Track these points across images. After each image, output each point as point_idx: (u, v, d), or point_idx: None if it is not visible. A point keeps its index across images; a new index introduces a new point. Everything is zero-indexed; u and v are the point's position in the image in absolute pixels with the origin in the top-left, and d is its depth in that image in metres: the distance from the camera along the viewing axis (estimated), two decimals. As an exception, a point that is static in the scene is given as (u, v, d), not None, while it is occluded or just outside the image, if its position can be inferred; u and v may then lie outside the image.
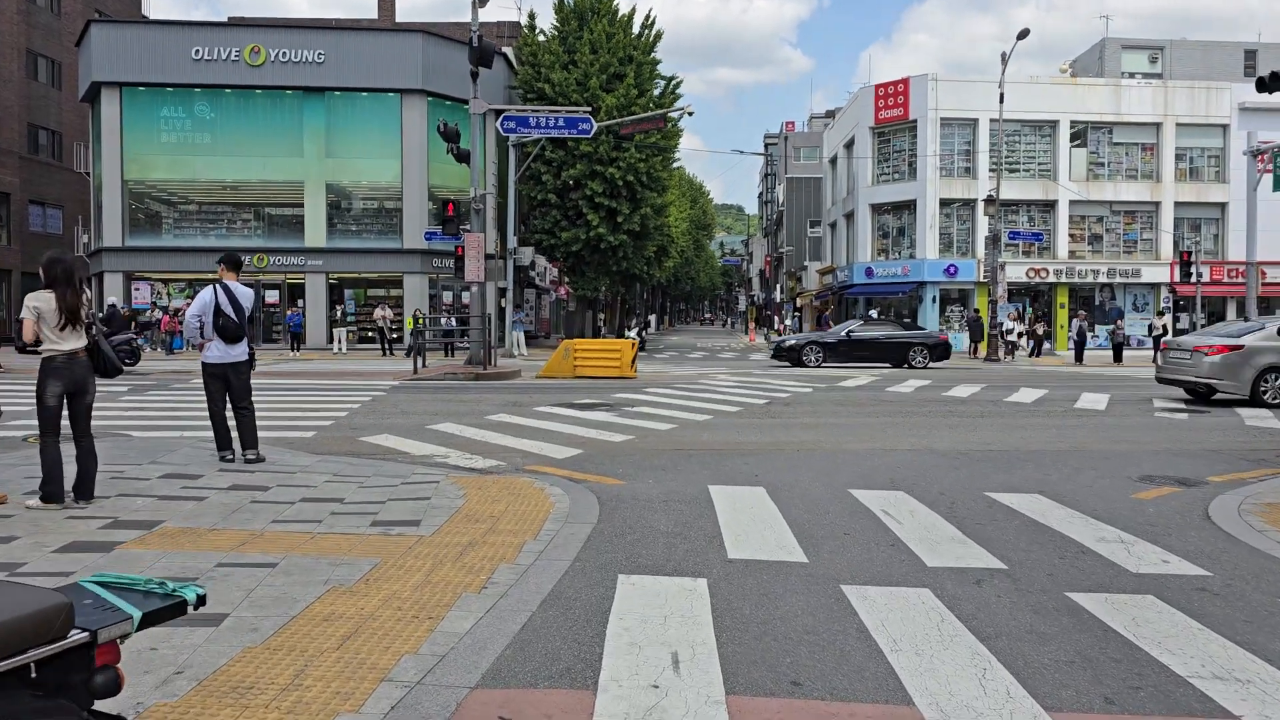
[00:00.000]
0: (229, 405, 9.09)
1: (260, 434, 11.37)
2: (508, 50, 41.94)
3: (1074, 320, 34.45)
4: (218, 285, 8.98)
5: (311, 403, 15.62)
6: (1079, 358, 32.02)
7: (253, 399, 9.25)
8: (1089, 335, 35.88)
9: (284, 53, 35.36)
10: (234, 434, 9.12)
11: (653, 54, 40.32)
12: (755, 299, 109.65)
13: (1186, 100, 41.27)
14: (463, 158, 23.47)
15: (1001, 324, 34.66)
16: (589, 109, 24.66)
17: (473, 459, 9.97)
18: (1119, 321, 35.22)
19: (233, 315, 8.85)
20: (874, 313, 38.22)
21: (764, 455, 10.42)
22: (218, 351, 8.97)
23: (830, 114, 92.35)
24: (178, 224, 36.53)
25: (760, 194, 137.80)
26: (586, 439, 11.57)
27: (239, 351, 8.97)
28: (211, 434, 9.24)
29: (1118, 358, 32.52)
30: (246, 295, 9.00)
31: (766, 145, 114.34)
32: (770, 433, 12.44)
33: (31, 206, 42.45)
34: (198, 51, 35.06)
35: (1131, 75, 43.33)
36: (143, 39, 35.47)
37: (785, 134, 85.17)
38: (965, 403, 16.75)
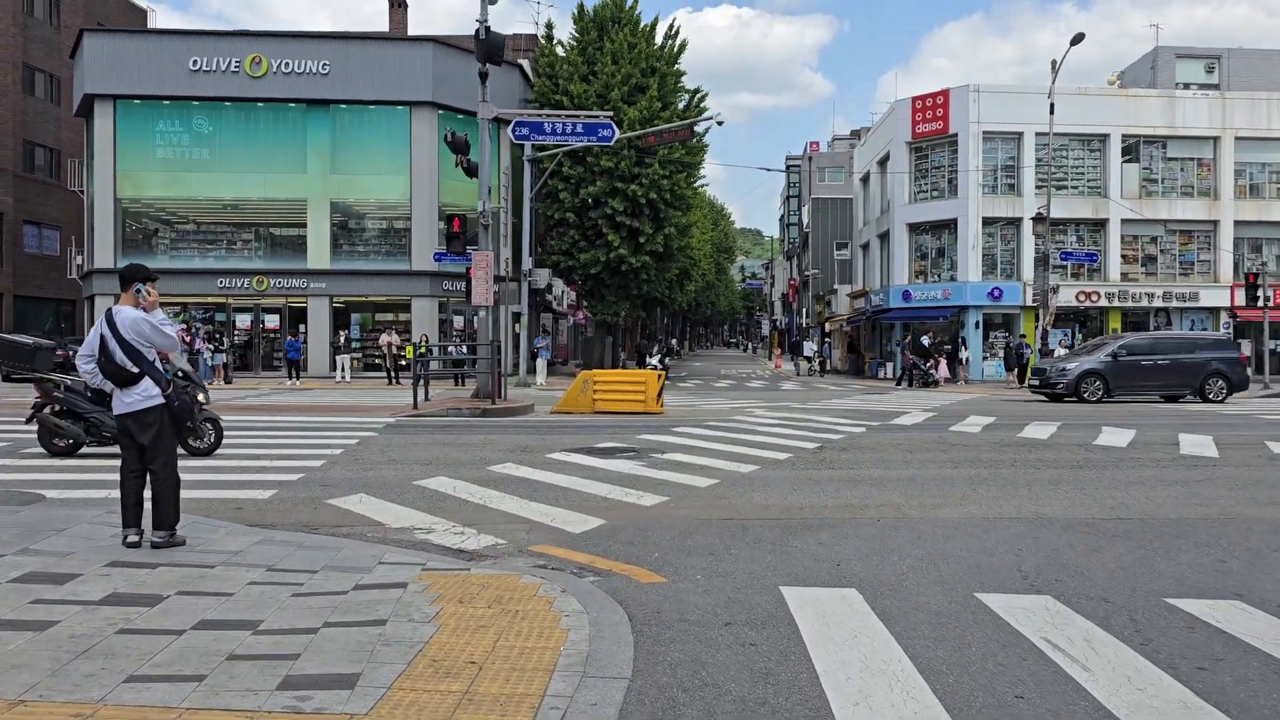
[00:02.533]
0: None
1: (206, 494, 9.12)
2: (524, 62, 39.92)
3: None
4: (103, 316, 6.72)
5: (287, 446, 13.35)
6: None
7: (172, 458, 6.89)
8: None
9: (287, 63, 33.46)
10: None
11: (676, 65, 38.16)
12: (778, 323, 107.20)
13: (1247, 112, 38.73)
14: (472, 171, 21.32)
15: (1053, 351, 32.21)
16: (610, 114, 22.46)
17: (464, 534, 7.66)
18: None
19: (117, 352, 6.56)
20: (925, 339, 35.69)
21: (839, 528, 8.05)
22: (115, 400, 6.71)
23: (856, 134, 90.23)
24: (174, 245, 34.55)
25: (781, 216, 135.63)
26: (609, 502, 9.23)
27: (135, 398, 6.65)
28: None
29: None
30: (131, 321, 6.64)
31: (788, 167, 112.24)
32: (835, 491, 10.05)
33: (26, 227, 40.64)
34: (196, 62, 33.20)
35: (1186, 86, 40.82)
36: (138, 49, 33.64)
37: (810, 154, 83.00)
38: (1048, 446, 14.32)
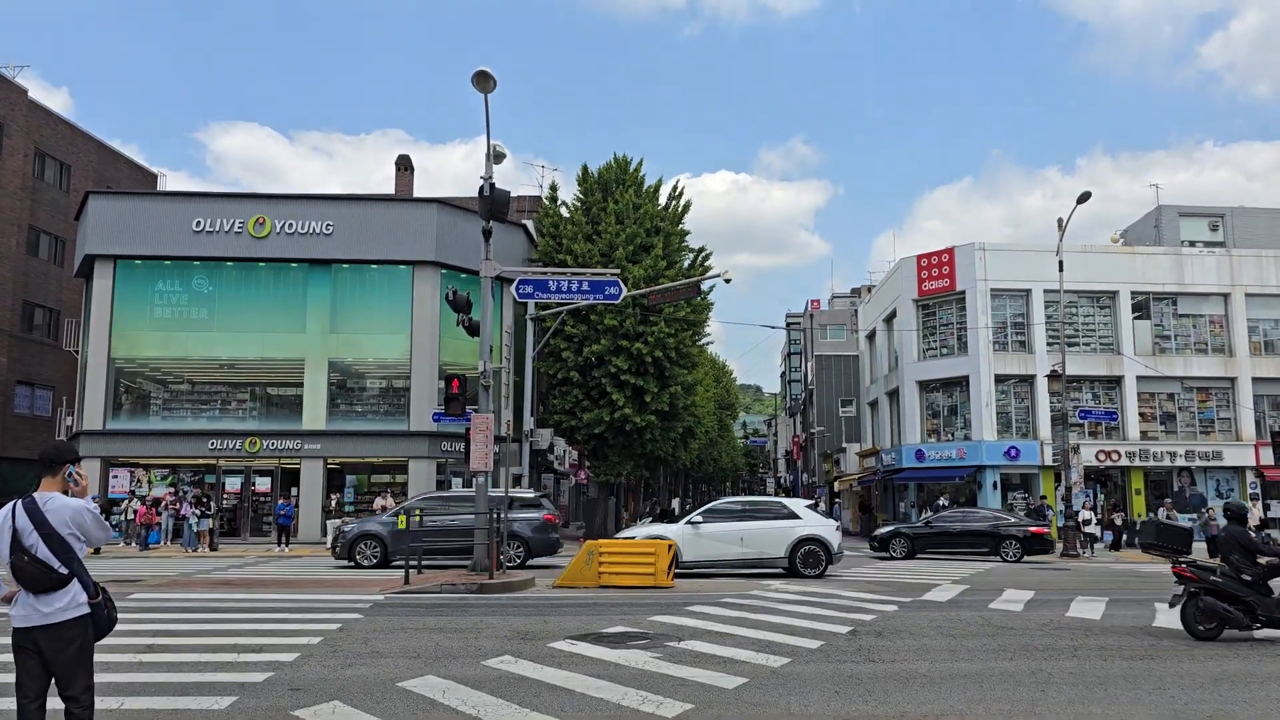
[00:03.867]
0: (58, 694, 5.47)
1: (148, 704, 7.69)
2: (528, 223, 40.00)
3: (1160, 510, 30.55)
4: (17, 503, 5.47)
5: (260, 633, 11.91)
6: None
7: (92, 681, 5.57)
8: (1179, 526, 31.78)
9: (290, 223, 33.35)
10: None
11: (681, 225, 38.18)
12: (782, 481, 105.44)
13: (1255, 269, 38.55)
14: (474, 330, 20.53)
15: (1078, 514, 30.80)
16: (617, 272, 21.85)
17: (449, 765, 6.27)
18: (1207, 510, 31.29)
19: (39, 547, 5.30)
20: (942, 501, 34.29)
21: (905, 755, 6.65)
22: (21, 609, 5.39)
23: (856, 291, 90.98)
24: (167, 405, 33.61)
25: (782, 373, 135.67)
26: (623, 712, 7.83)
27: (58, 607, 5.37)
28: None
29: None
30: (72, 512, 5.43)
31: (789, 324, 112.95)
32: (884, 694, 8.63)
33: (19, 387, 39.82)
34: (199, 223, 33.10)
35: (1192, 244, 40.80)
36: (142, 211, 33.61)
37: (811, 312, 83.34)
38: (1108, 631, 12.89)
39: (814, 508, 22.06)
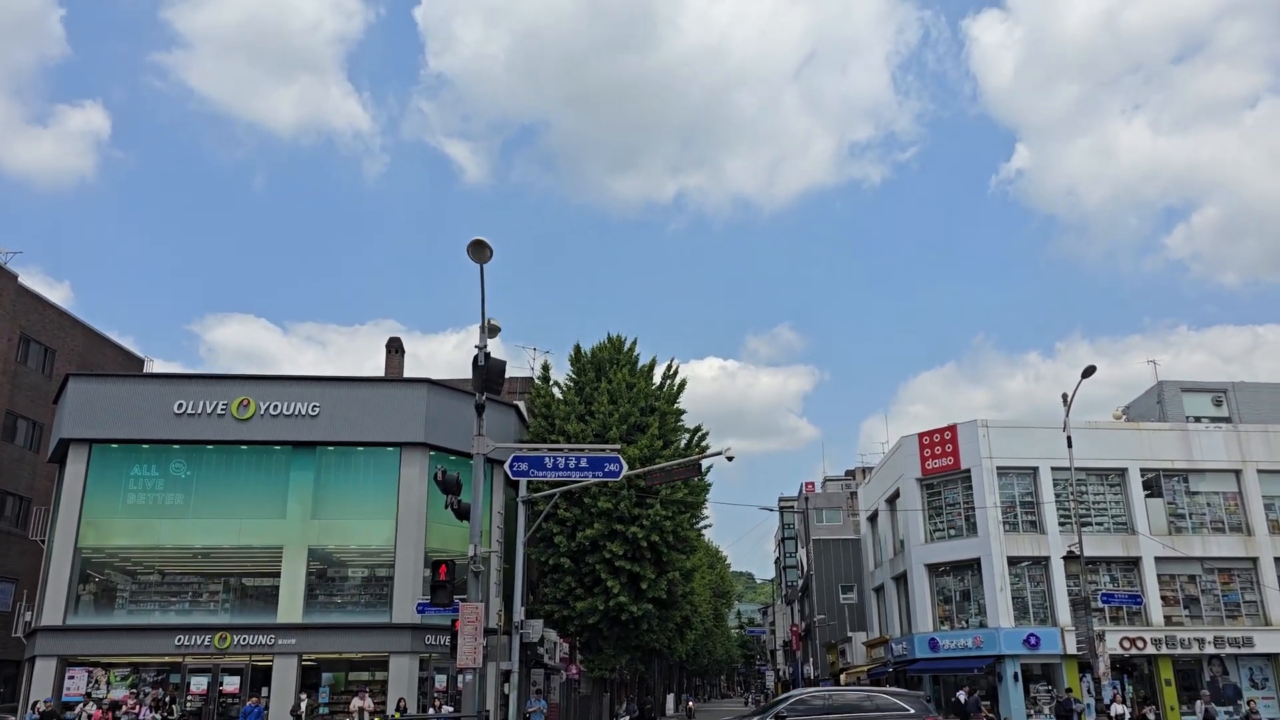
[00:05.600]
0: None
1: None
2: (520, 404, 39.13)
3: (1198, 703, 28.47)
4: None
5: None
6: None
7: None
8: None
9: (275, 405, 32.34)
10: None
11: (676, 404, 37.36)
12: (782, 674, 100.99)
13: (1263, 445, 37.71)
14: (463, 513, 19.20)
15: (1110, 707, 28.66)
16: (616, 448, 20.73)
17: None
18: (1248, 702, 29.21)
19: None
20: (961, 695, 31.89)
21: None
22: None
23: (850, 474, 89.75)
24: (134, 598, 31.56)
25: (777, 559, 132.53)
26: None
27: None
28: None
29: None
30: None
31: (782, 508, 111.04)
32: None
33: (-21, 580, 37.67)
34: (181, 405, 32.05)
35: (1198, 419, 40.11)
36: (123, 393, 32.60)
37: (806, 494, 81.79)
38: None
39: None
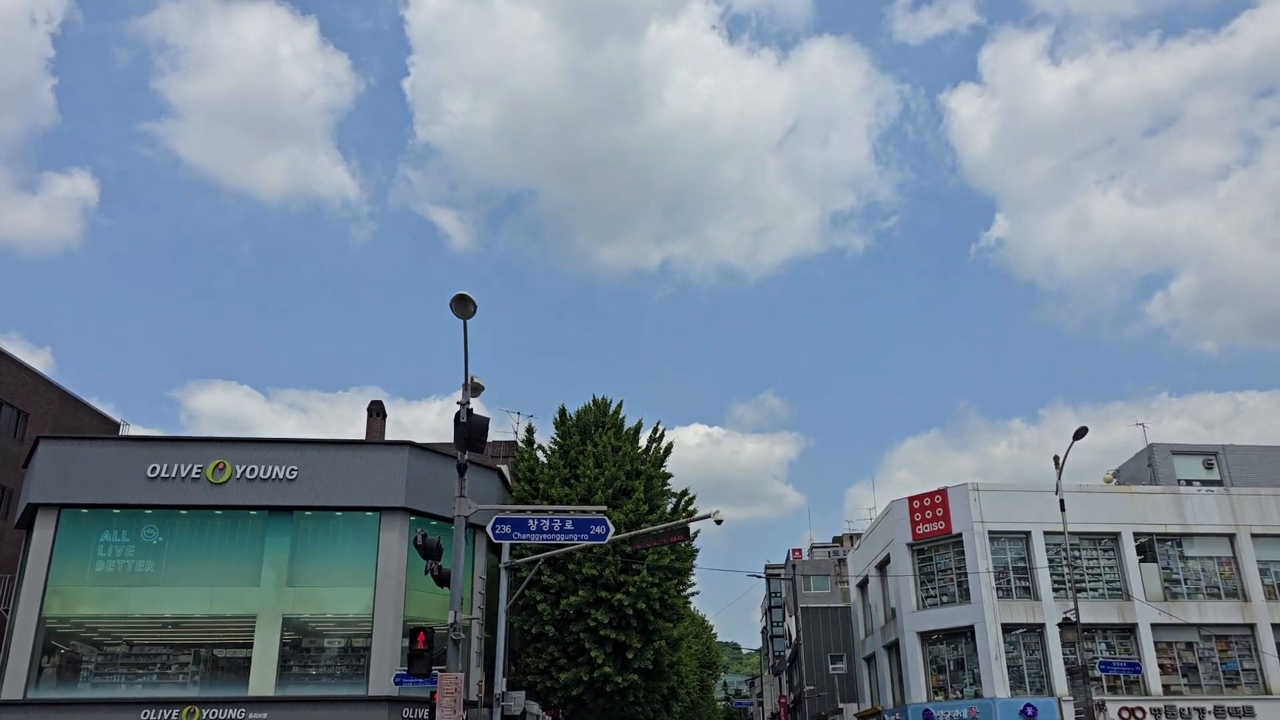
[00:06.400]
0: None
1: None
2: (503, 468, 38.42)
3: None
4: None
5: None
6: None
7: None
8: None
9: (252, 469, 31.50)
10: None
11: (663, 468, 36.74)
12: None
13: (1256, 509, 37.32)
14: (443, 579, 18.51)
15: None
16: (602, 509, 20.10)
17: None
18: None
19: None
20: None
21: None
22: None
23: (838, 540, 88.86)
24: (99, 670, 30.33)
25: (764, 628, 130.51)
26: None
27: None
28: None
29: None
30: None
31: (768, 575, 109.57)
32: None
33: (-60, 653, 36.21)
34: (154, 469, 31.18)
35: (1189, 482, 39.73)
36: (95, 457, 31.72)
37: (794, 561, 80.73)
38: None
39: None
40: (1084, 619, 33.26)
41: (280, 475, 31.61)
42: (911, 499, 38.64)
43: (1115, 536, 36.65)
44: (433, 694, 17.06)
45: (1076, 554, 36.31)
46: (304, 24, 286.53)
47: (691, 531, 35.19)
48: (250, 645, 30.52)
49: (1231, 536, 37.05)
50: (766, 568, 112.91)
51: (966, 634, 35.91)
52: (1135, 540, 36.77)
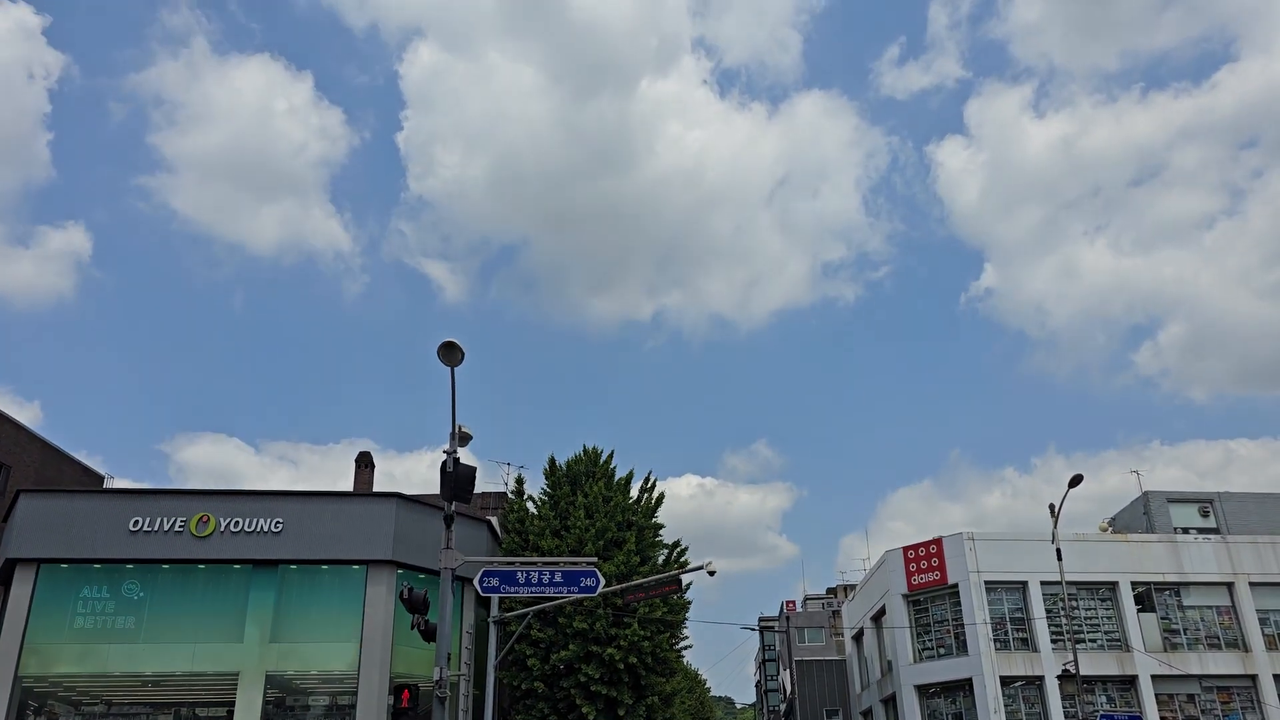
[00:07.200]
0: None
1: None
2: (492, 519, 37.88)
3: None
4: None
5: None
6: None
7: None
8: None
9: (236, 522, 30.96)
10: None
11: (655, 518, 36.24)
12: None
13: (1254, 557, 36.97)
14: (429, 634, 18.03)
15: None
16: (593, 560, 19.66)
17: None
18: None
19: None
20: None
21: None
22: None
23: (832, 591, 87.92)
24: (75, 731, 29.51)
25: (758, 682, 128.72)
26: None
27: None
28: None
29: None
30: None
31: (762, 627, 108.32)
32: None
33: (-88, 713, 35.24)
34: (137, 522, 30.64)
35: (1185, 530, 39.40)
36: (76, 510, 31.16)
37: (788, 614, 79.75)
38: None
39: None
40: (1084, 671, 32.72)
41: (265, 528, 31.07)
42: (906, 549, 38.18)
43: (1113, 586, 36.22)
44: (418, 754, 16.53)
45: (1074, 604, 35.83)
46: (299, 79, 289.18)
47: (684, 583, 34.66)
48: (232, 704, 29.75)
49: (1230, 585, 36.67)
50: (760, 620, 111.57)
51: (964, 687, 35.28)
52: (1133, 590, 36.36)
